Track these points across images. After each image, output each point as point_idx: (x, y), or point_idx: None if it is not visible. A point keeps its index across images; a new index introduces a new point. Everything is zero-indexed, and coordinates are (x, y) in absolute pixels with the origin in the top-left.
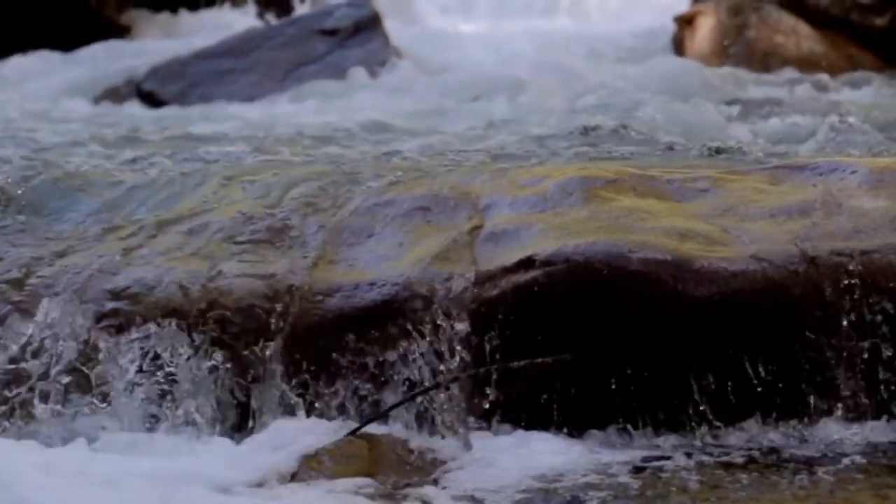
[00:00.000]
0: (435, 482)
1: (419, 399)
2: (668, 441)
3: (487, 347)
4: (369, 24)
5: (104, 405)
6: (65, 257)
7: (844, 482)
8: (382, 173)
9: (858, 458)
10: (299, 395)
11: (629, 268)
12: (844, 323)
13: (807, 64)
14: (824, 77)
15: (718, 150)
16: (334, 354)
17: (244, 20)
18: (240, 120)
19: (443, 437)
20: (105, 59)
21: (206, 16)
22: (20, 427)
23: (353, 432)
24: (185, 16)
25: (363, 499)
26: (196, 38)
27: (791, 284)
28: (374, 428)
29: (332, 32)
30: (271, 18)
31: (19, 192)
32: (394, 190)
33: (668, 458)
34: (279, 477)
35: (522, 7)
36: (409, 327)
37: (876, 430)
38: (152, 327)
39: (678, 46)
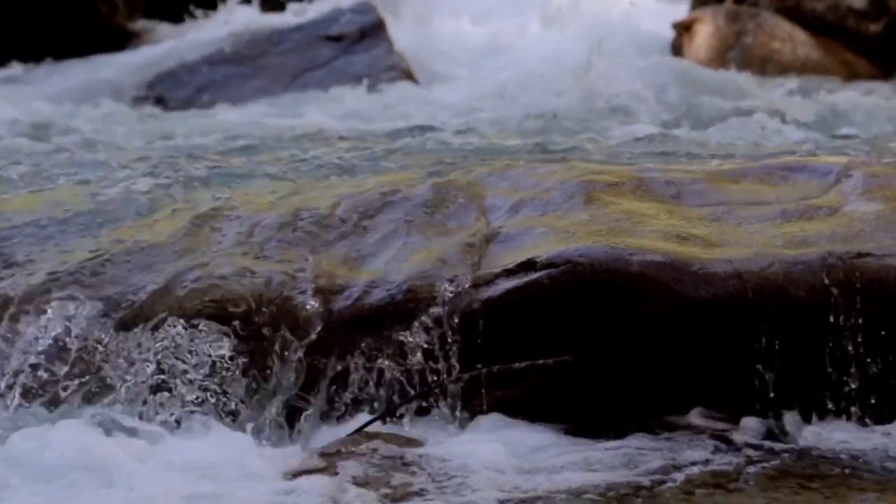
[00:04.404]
0: (436, 480)
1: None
2: (667, 441)
3: (489, 348)
4: (374, 30)
5: (130, 398)
6: (103, 257)
7: (838, 485)
8: (387, 176)
9: (855, 460)
10: (305, 394)
11: (628, 270)
12: (840, 325)
13: (803, 69)
14: (820, 82)
15: (717, 154)
16: (340, 354)
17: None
18: (246, 124)
19: (444, 436)
20: (114, 66)
21: (214, 22)
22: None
23: (356, 431)
24: (193, 23)
25: (364, 496)
26: (204, 44)
27: (787, 286)
28: (377, 426)
29: (337, 38)
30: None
31: (38, 196)
32: (399, 192)
33: (667, 458)
34: (282, 473)
35: (522, 11)
36: (413, 328)
37: (875, 433)
38: (178, 323)
39: (676, 52)
